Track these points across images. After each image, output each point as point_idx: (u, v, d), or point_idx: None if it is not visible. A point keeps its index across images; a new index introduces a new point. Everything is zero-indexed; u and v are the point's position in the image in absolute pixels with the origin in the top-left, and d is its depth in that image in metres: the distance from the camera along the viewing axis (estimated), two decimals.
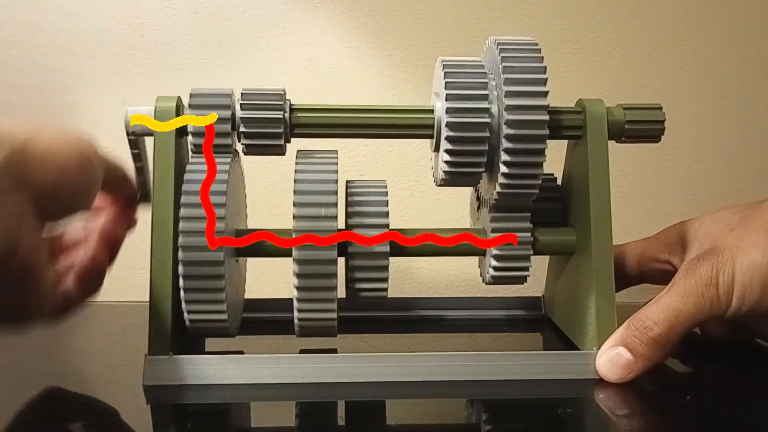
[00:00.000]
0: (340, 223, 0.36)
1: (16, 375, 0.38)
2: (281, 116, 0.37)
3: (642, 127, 0.39)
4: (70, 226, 0.37)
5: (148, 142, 0.38)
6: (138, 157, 0.39)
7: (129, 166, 0.38)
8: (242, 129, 0.37)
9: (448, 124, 0.36)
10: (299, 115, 0.38)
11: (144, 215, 0.37)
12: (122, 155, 0.38)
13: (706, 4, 0.60)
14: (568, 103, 0.40)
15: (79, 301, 0.35)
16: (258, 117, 0.37)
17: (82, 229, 0.37)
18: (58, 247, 0.36)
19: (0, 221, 0.27)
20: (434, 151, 0.40)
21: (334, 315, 0.37)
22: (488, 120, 0.36)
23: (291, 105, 0.38)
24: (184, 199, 0.35)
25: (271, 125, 0.37)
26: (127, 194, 0.38)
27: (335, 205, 0.36)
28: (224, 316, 0.36)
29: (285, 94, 0.38)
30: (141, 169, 0.39)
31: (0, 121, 0.28)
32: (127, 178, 0.37)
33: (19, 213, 0.28)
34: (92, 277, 0.35)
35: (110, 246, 0.37)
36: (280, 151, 0.38)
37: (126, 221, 0.38)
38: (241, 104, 0.37)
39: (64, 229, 0.36)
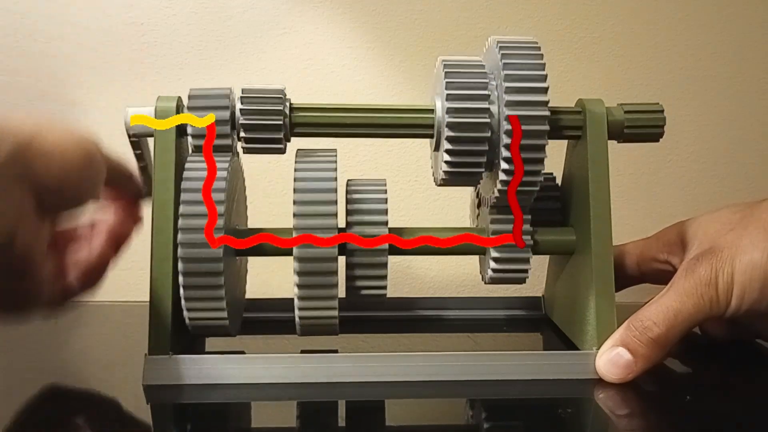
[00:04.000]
0: (340, 222, 0.37)
1: (16, 375, 0.38)
2: (281, 115, 0.37)
3: (642, 127, 0.39)
4: (76, 220, 0.37)
5: (150, 142, 0.38)
6: (141, 157, 0.39)
7: (132, 164, 0.38)
8: (242, 125, 0.37)
9: (448, 124, 0.36)
10: (299, 114, 0.38)
11: (144, 214, 0.37)
12: (125, 154, 0.38)
13: (706, 4, 0.60)
14: (568, 103, 0.40)
15: (78, 294, 0.36)
16: (258, 117, 0.37)
17: (88, 224, 0.37)
18: (63, 240, 0.37)
19: (1, 212, 0.27)
20: (434, 150, 0.40)
21: (335, 313, 0.37)
22: (489, 120, 0.36)
23: (291, 104, 0.38)
24: (183, 197, 0.35)
25: (271, 123, 0.37)
26: (133, 192, 0.39)
27: (335, 204, 0.36)
28: (224, 315, 0.36)
29: (285, 93, 0.38)
30: (145, 169, 0.39)
31: (7, 115, 0.28)
32: (132, 176, 0.38)
33: (20, 205, 0.28)
34: (95, 271, 0.36)
35: (115, 242, 0.37)
36: (279, 150, 0.38)
37: (132, 219, 0.39)
38: (241, 100, 0.37)
39: (71, 223, 0.37)
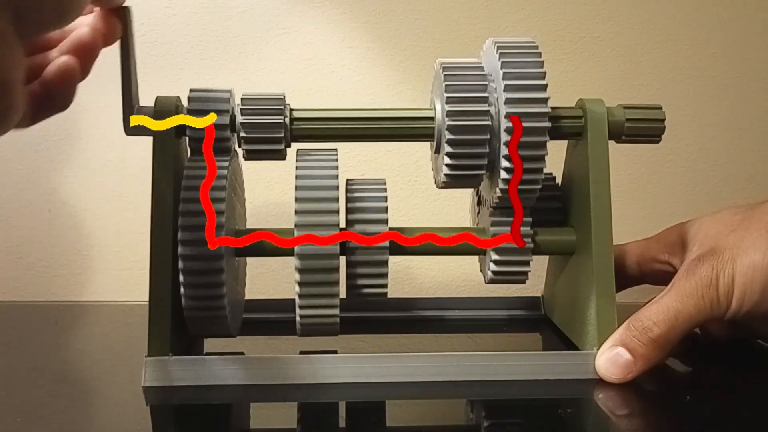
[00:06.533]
0: (341, 222, 0.37)
1: (16, 375, 0.38)
2: (281, 127, 0.37)
3: (642, 127, 0.39)
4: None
5: (148, 142, 0.37)
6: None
7: None
8: (243, 136, 0.37)
9: (448, 128, 0.36)
10: (299, 126, 0.38)
11: (144, 216, 0.37)
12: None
13: (706, 4, 0.60)
14: (568, 103, 0.40)
15: (46, 113, 0.31)
16: (258, 128, 0.37)
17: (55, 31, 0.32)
18: (28, 49, 0.30)
19: None
20: (435, 153, 0.40)
21: (336, 313, 0.37)
22: (488, 122, 0.36)
23: (291, 112, 0.38)
24: (184, 198, 0.35)
25: (272, 135, 0.37)
26: (113, 3, 0.34)
27: (336, 203, 0.36)
28: (224, 317, 0.36)
29: (285, 99, 0.38)
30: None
31: None
32: None
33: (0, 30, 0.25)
34: (61, 88, 0.31)
35: (84, 56, 0.32)
36: (280, 156, 0.38)
37: (105, 33, 0.34)
38: (241, 110, 0.37)
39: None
